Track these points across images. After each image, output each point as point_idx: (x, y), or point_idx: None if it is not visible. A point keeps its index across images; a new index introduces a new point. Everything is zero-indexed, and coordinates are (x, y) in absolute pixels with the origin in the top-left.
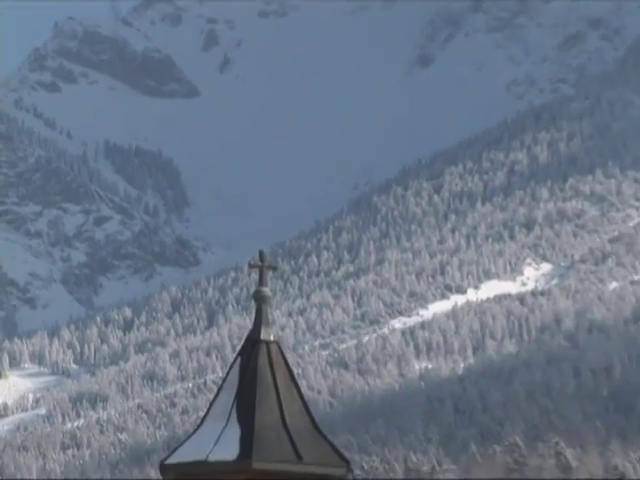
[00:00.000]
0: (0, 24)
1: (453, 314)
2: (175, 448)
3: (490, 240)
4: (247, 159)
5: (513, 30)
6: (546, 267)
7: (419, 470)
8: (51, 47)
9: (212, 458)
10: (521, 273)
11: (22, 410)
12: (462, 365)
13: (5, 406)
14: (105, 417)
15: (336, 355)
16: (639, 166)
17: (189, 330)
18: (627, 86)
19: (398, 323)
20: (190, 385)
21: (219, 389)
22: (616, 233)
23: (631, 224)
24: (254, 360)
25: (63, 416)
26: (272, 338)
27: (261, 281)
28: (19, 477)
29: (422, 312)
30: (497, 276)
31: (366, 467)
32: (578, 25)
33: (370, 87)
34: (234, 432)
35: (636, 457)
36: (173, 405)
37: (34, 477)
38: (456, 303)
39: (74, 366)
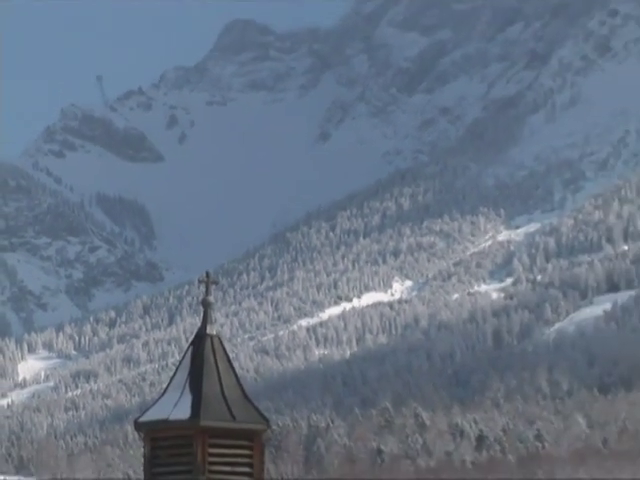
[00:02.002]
0: (22, 108)
1: (343, 316)
2: (145, 410)
3: (369, 264)
4: (198, 206)
5: (386, 115)
6: (408, 283)
7: (318, 426)
8: (59, 125)
9: (172, 417)
10: (391, 287)
11: (36, 383)
12: (349, 352)
13: (25, 380)
14: (96, 388)
15: (260, 345)
16: (474, 212)
17: (156, 327)
18: (465, 156)
19: (304, 322)
20: (156, 366)
21: (176, 369)
22: (458, 259)
23: (468, 253)
24: (202, 348)
25: (66, 387)
26: (214, 333)
27: (207, 292)
28: (33, 432)
29: (321, 314)
30: (374, 289)
31: (280, 424)
32: (431, 112)
33: (285, 155)
34: (187, 399)
35: (471, 417)
36: (144, 380)
37: (44, 431)
38: (345, 308)
39: (74, 352)
